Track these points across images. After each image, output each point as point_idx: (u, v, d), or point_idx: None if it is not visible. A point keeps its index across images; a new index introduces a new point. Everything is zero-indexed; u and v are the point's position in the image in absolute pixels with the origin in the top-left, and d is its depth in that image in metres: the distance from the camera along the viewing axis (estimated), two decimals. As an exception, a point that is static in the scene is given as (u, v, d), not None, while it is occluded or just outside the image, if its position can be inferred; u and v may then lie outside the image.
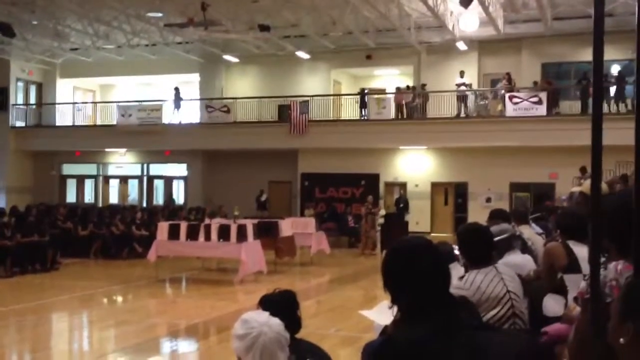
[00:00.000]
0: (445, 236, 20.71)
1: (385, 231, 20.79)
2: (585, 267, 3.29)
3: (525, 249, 5.82)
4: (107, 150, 29.26)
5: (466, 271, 4.13)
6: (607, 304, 1.94)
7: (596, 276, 2.06)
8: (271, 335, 2.82)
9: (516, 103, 22.85)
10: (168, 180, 30.07)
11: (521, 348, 1.98)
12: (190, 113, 28.20)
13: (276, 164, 26.76)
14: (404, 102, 25.10)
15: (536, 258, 5.78)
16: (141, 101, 28.67)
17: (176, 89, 28.19)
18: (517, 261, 5.18)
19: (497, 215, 6.31)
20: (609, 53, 20.63)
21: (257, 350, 2.80)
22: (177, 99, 28.06)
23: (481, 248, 4.11)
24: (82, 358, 9.06)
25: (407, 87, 25.95)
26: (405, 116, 25.05)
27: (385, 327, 3.64)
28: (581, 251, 4.18)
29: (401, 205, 24.14)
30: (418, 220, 24.18)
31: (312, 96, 26.05)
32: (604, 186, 6.95)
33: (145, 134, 26.88)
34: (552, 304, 4.33)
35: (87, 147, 28.34)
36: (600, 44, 2.02)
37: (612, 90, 21.86)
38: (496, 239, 4.56)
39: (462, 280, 4.00)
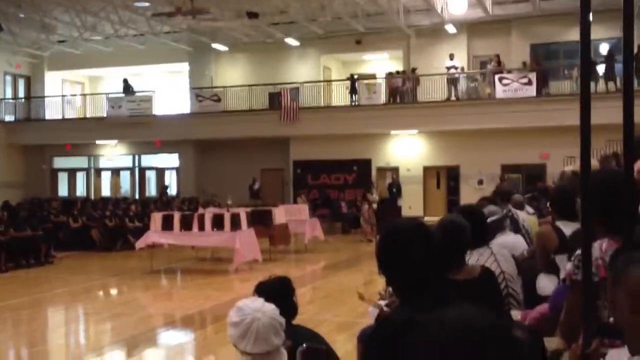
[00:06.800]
0: (439, 219, 20.74)
1: (379, 216, 20.81)
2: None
3: (518, 229, 5.87)
4: (97, 142, 29.13)
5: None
6: (595, 283, 1.96)
7: (588, 257, 2.06)
8: (265, 320, 2.84)
9: (506, 85, 22.86)
10: (160, 171, 29.98)
11: (482, 325, 2.00)
12: (181, 103, 28.10)
13: (268, 151, 26.73)
14: (395, 87, 25.09)
15: (530, 238, 5.83)
16: (131, 92, 28.47)
17: (125, 80, 28.11)
18: (509, 241, 5.21)
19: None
20: (597, 32, 20.68)
21: (252, 336, 2.82)
22: (127, 90, 27.93)
23: (475, 229, 4.13)
24: (79, 351, 9.06)
25: (397, 72, 25.91)
26: (395, 100, 25.04)
27: (380, 312, 3.67)
28: (570, 231, 4.22)
29: (394, 190, 24.18)
30: (411, 204, 24.24)
31: (303, 83, 25.99)
32: (595, 163, 7.00)
33: (135, 125, 26.76)
34: (545, 283, 4.36)
35: (78, 139, 28.20)
36: (587, 24, 2.02)
37: (602, 69, 21.89)
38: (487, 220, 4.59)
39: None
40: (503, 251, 4.26)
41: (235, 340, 2.88)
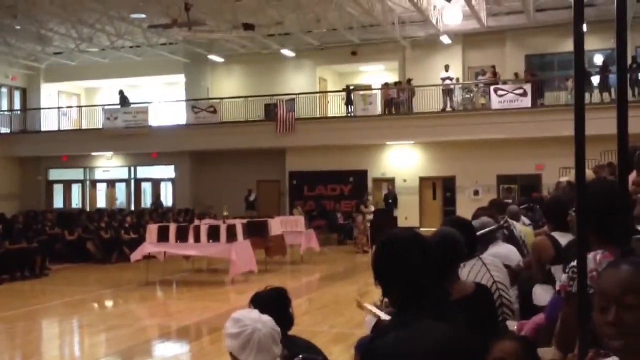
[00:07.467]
0: (435, 231, 20.73)
1: (375, 227, 20.78)
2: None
3: (513, 239, 5.86)
4: (93, 154, 29.10)
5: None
6: (590, 295, 1.96)
7: (583, 268, 2.05)
8: (265, 331, 2.83)
9: (501, 96, 22.94)
10: (156, 183, 29.94)
11: (437, 341, 2.00)
12: (177, 114, 28.10)
13: (264, 163, 26.74)
14: (391, 98, 25.15)
15: (526, 249, 5.83)
16: (127, 104, 28.46)
17: (120, 92, 28.12)
18: (502, 252, 5.20)
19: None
20: (592, 43, 20.81)
21: (254, 347, 2.81)
22: (123, 102, 27.93)
23: (465, 241, 4.12)
24: (74, 363, 9.02)
25: (394, 83, 25.97)
26: (391, 112, 25.08)
27: (377, 323, 3.66)
28: (566, 242, 4.21)
29: (390, 201, 24.18)
30: (407, 215, 24.24)
31: (299, 94, 26.03)
32: (590, 173, 7.01)
33: (131, 136, 26.75)
34: (541, 293, 4.35)
35: (74, 151, 28.16)
36: (581, 35, 2.03)
37: (596, 80, 21.99)
38: (479, 233, 4.57)
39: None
40: (495, 261, 4.24)
41: (236, 352, 2.87)
